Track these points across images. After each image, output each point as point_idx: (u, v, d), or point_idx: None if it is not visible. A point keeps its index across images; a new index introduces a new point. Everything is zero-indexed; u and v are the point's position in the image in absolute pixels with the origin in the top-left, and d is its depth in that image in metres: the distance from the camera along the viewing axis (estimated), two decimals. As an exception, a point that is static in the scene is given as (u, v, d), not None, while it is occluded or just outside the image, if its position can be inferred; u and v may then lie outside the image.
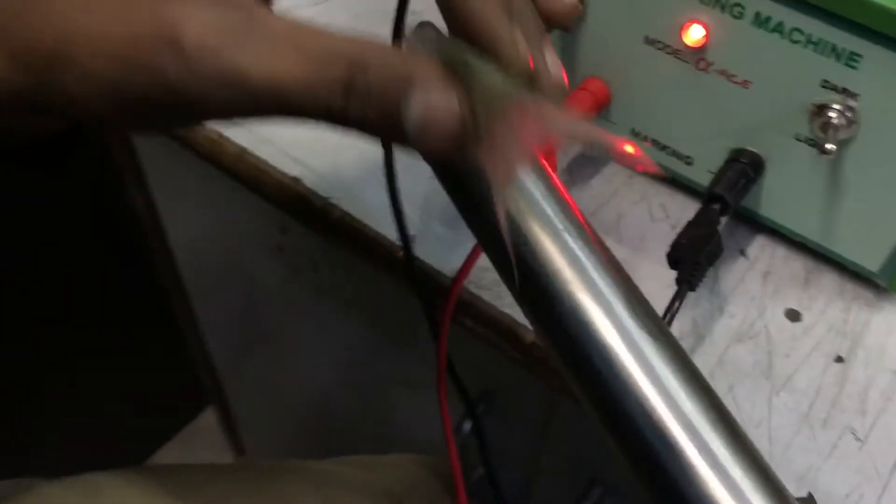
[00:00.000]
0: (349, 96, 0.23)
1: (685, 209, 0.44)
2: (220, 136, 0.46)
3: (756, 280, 0.41)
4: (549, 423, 0.55)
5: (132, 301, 1.00)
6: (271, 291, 0.76)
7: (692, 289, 0.36)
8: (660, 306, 0.39)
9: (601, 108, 0.43)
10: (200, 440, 1.17)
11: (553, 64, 0.27)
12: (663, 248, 0.42)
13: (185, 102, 0.24)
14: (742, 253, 0.42)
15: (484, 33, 0.26)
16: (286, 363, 0.91)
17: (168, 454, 1.14)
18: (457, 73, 0.23)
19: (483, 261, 0.41)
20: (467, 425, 0.61)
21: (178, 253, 0.84)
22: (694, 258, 0.36)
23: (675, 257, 0.37)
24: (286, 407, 1.01)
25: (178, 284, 0.88)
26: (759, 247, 0.43)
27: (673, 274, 0.41)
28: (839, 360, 0.39)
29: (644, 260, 0.42)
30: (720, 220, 0.38)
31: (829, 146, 0.35)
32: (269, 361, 0.95)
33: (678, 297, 0.35)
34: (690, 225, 0.38)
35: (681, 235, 0.37)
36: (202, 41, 0.23)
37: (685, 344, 0.39)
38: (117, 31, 0.24)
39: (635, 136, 0.43)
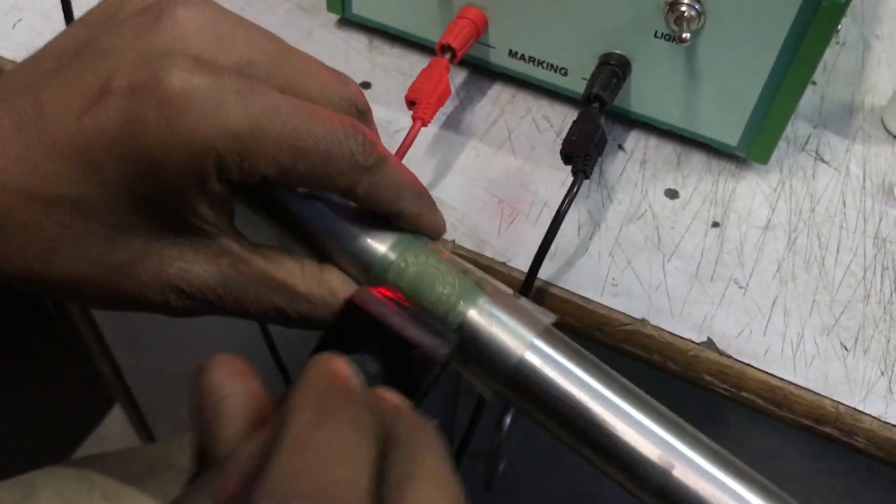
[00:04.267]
0: None
1: (566, 116, 0.49)
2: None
3: (635, 169, 0.47)
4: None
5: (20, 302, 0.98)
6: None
7: (587, 177, 0.40)
8: (558, 200, 0.44)
9: (480, 34, 0.47)
10: (112, 440, 1.16)
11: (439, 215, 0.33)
12: (552, 153, 0.47)
13: None
14: (620, 147, 0.47)
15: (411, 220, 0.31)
16: (188, 341, 0.91)
17: (80, 459, 1.12)
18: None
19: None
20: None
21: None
22: (585, 150, 0.40)
23: (568, 152, 0.41)
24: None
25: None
26: (634, 140, 0.48)
27: (564, 175, 0.46)
28: (715, 224, 0.44)
29: (537, 167, 0.46)
30: (600, 116, 0.43)
31: (685, 35, 0.40)
32: (169, 343, 0.95)
33: (576, 184, 0.40)
34: (576, 123, 0.42)
35: (570, 133, 0.41)
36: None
37: (585, 231, 0.44)
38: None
39: (513, 56, 0.48)
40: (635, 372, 0.42)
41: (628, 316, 0.41)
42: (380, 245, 0.31)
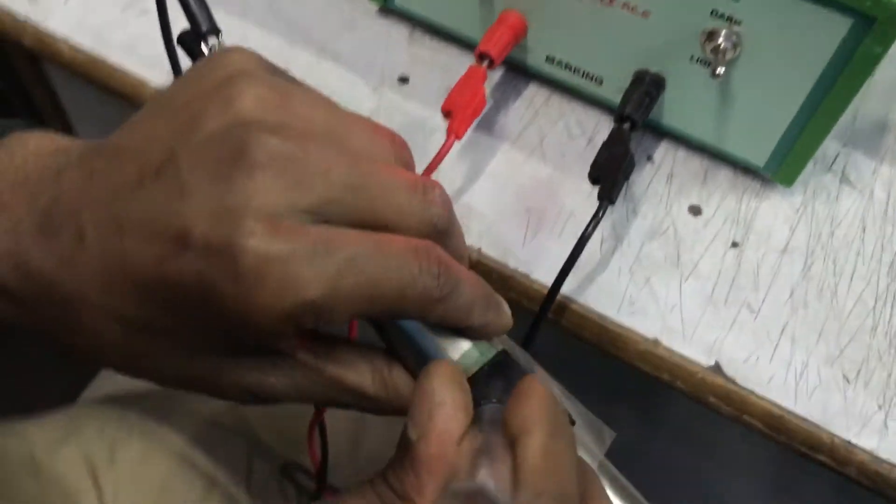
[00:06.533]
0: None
1: (598, 123, 0.49)
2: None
3: (662, 182, 0.48)
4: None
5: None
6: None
7: (612, 202, 0.42)
8: (583, 218, 0.45)
9: (519, 38, 0.47)
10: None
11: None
12: (581, 162, 0.48)
13: None
14: (649, 158, 0.48)
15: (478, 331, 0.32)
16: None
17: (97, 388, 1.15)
18: None
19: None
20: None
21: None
22: (612, 176, 0.42)
23: (596, 175, 0.42)
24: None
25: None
26: (664, 151, 0.49)
27: (592, 187, 0.47)
28: (735, 245, 0.46)
29: (566, 176, 0.47)
30: (630, 137, 0.44)
31: (718, 70, 0.41)
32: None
33: (600, 210, 0.41)
34: (606, 145, 0.43)
35: (599, 155, 0.43)
36: None
37: (607, 246, 0.45)
38: None
39: (550, 61, 0.48)
40: (648, 383, 0.45)
41: (642, 336, 0.43)
42: (448, 353, 0.31)
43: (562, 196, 0.47)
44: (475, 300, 0.31)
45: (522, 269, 0.44)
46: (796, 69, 0.41)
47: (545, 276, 0.44)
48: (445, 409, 0.26)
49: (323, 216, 0.28)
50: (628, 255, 0.45)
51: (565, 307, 0.44)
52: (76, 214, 0.29)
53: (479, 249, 0.45)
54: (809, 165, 0.49)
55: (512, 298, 0.45)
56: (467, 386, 0.28)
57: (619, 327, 0.43)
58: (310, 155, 0.28)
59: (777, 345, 0.43)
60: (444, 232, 0.31)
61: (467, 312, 0.31)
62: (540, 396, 0.27)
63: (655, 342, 0.43)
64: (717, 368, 0.42)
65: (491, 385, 0.30)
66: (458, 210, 0.46)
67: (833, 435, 0.41)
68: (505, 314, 0.33)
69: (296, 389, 0.31)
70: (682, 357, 0.42)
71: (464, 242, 0.33)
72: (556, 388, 0.32)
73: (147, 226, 0.27)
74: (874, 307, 0.44)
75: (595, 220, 0.41)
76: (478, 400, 0.29)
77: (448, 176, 0.47)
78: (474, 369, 0.31)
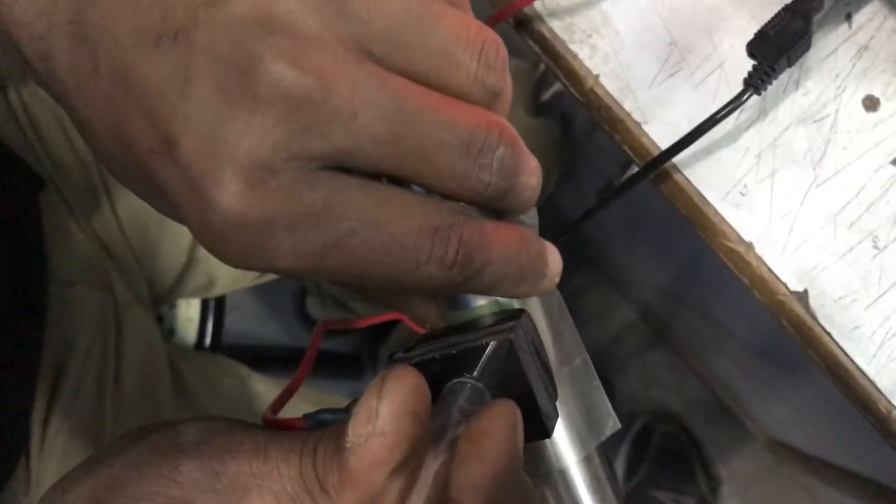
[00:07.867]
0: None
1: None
2: None
3: (849, 53, 0.39)
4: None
5: None
6: None
7: (758, 93, 0.34)
8: (735, 73, 0.37)
9: None
10: None
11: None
12: (765, -1, 0.39)
13: None
14: (847, 18, 0.39)
15: None
16: None
17: None
18: None
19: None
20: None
21: None
22: (773, 59, 0.34)
23: (755, 50, 0.34)
24: None
25: None
26: (869, 14, 0.39)
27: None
28: (896, 162, 0.38)
29: (738, 10, 0.39)
30: (823, 6, 0.35)
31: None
32: None
33: (742, 96, 0.34)
34: (786, 11, 0.34)
35: (769, 24, 0.34)
36: None
37: (745, 116, 0.38)
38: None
39: None
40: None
41: (737, 235, 0.38)
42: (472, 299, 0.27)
43: (720, 36, 0.39)
44: (502, 279, 0.25)
45: (637, 115, 0.39)
46: None
47: (659, 133, 0.38)
48: (387, 439, 0.23)
49: (336, 164, 0.23)
50: (765, 135, 0.38)
51: (668, 174, 0.39)
52: (97, 34, 0.24)
53: (598, 77, 0.39)
54: None
55: (616, 140, 0.40)
56: (421, 409, 0.24)
57: (717, 216, 0.38)
58: (334, 92, 0.22)
59: (884, 294, 0.37)
60: (494, 199, 0.25)
61: (489, 289, 0.26)
62: (494, 458, 0.22)
63: (749, 246, 0.38)
64: (803, 297, 0.38)
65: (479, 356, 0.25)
66: (591, 18, 0.39)
67: (893, 407, 0.37)
68: (543, 285, 0.27)
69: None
70: (770, 272, 0.38)
71: (528, 197, 0.26)
72: (579, 358, 0.30)
73: (147, 101, 0.23)
74: None
75: (731, 105, 0.34)
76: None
77: (596, -28, 0.39)
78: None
